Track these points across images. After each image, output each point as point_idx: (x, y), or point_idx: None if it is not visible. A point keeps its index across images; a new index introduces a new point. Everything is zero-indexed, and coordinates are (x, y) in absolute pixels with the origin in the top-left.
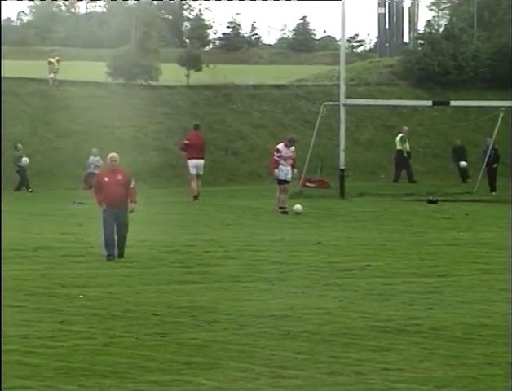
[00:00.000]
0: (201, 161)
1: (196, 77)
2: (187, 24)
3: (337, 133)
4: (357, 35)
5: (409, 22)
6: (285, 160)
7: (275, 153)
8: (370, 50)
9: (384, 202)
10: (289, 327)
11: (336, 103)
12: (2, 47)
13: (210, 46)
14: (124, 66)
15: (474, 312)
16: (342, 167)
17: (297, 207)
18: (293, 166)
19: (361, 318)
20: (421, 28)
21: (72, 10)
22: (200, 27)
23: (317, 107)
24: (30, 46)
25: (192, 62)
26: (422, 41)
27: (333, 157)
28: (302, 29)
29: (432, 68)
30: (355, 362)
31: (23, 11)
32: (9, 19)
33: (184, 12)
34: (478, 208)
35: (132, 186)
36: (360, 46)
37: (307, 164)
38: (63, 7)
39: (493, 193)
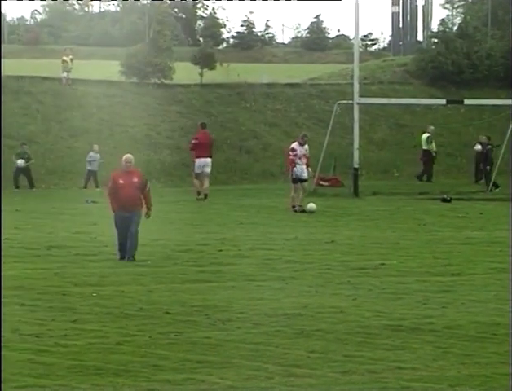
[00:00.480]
0: (209, 160)
1: (210, 76)
2: (200, 23)
3: (351, 132)
4: (371, 34)
5: (423, 20)
6: (300, 158)
7: (291, 152)
8: (384, 48)
9: (397, 201)
10: (302, 325)
11: (349, 101)
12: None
13: (224, 44)
14: (137, 65)
15: (487, 311)
16: (356, 166)
17: (311, 205)
18: (307, 165)
19: (375, 316)
20: (434, 26)
21: (86, 8)
22: (213, 25)
23: (331, 105)
24: (44, 45)
25: (206, 61)
26: (436, 40)
27: (346, 156)
28: (316, 28)
29: (446, 66)
30: (369, 360)
31: (37, 10)
32: (23, 18)
33: (198, 11)
34: (492, 207)
35: (147, 189)
36: (374, 44)
37: (321, 162)
38: (76, 6)
39: (496, 190)
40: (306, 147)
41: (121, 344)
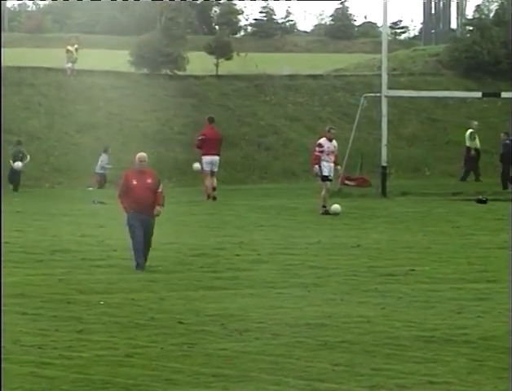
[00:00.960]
0: (216, 158)
1: (226, 67)
2: (216, 9)
3: (379, 127)
4: (400, 21)
5: (457, 7)
6: (328, 155)
7: (317, 148)
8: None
9: (429, 201)
10: (326, 336)
11: (377, 94)
12: (3, 34)
13: (241, 32)
14: (148, 54)
15: None
16: (384, 164)
17: (336, 207)
18: (335, 162)
19: (405, 327)
20: (469, 13)
21: None
22: (230, 12)
23: (357, 98)
24: (47, 33)
25: (222, 50)
26: (471, 28)
27: (374, 153)
28: (341, 15)
29: (481, 56)
30: (398, 374)
31: None
32: (24, 3)
33: None
34: None
35: (160, 190)
36: (404, 32)
37: (346, 160)
38: None
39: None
40: (335, 143)
41: (130, 357)
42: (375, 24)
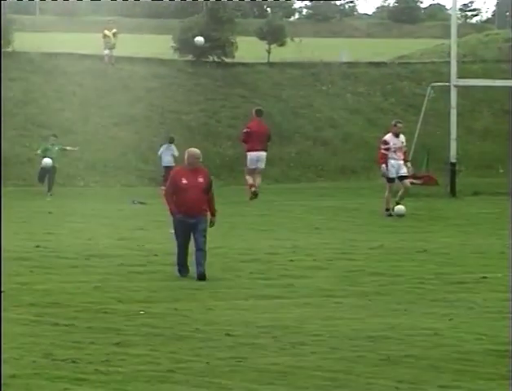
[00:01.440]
0: (262, 154)
1: (279, 53)
2: None
3: (447, 120)
4: (472, 2)
5: None
6: (395, 152)
7: (382, 146)
8: (487, 20)
9: (503, 202)
10: (389, 350)
11: (446, 83)
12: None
13: (296, 15)
14: (193, 40)
15: None
16: (453, 160)
17: (400, 208)
18: (405, 160)
19: (476, 340)
20: None
21: None
22: None
23: (423, 88)
24: (82, 17)
25: (274, 35)
26: None
27: (441, 148)
28: None
29: None
30: None
31: None
32: None
33: None
34: None
35: (212, 191)
36: (475, 15)
37: (411, 156)
38: None
39: None
40: (403, 138)
41: (173, 372)
42: (443, 6)
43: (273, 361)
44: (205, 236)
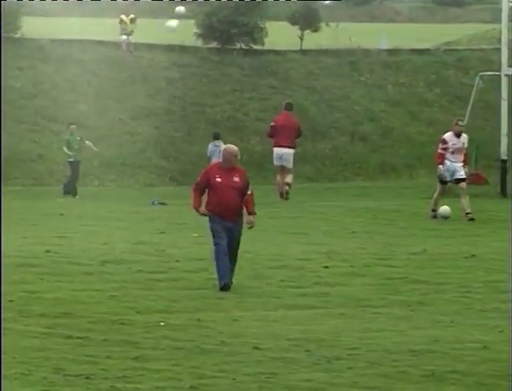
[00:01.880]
0: (287, 151)
1: (313, 40)
2: None
3: (498, 113)
4: None
5: None
6: (453, 153)
7: (440, 144)
8: None
9: None
10: (433, 365)
11: (496, 73)
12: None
13: None
14: (218, 25)
15: None
16: (504, 157)
17: (445, 209)
18: (464, 162)
19: None
20: None
21: None
22: None
23: (471, 78)
24: (96, 0)
25: (308, 20)
26: None
27: (491, 144)
28: None
29: None
30: None
31: None
32: None
33: None
34: None
35: (250, 192)
36: None
37: None
38: None
39: None
40: (465, 138)
41: (196, 389)
42: None
43: (305, 377)
44: (238, 243)
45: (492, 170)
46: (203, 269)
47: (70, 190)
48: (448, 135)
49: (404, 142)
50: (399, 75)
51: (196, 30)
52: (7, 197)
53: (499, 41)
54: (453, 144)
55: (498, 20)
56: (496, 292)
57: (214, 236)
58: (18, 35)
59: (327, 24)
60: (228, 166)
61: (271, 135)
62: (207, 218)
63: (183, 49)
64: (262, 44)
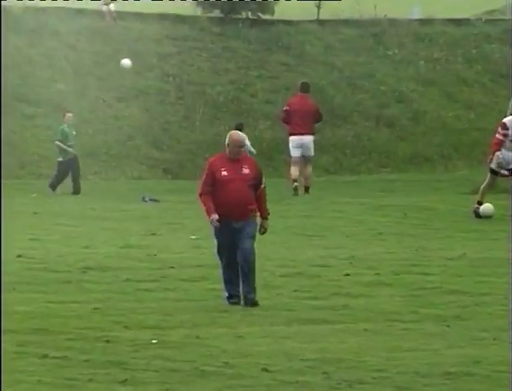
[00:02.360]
0: (307, 138)
1: (331, 9)
2: None
3: None
4: None
5: None
6: None
7: (500, 130)
8: None
9: None
10: (473, 390)
11: None
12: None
13: None
14: None
15: None
16: None
17: (487, 207)
18: None
19: None
20: None
21: None
22: None
23: None
24: None
25: None
26: None
27: None
28: None
29: None
30: None
31: None
32: None
33: None
34: None
35: (263, 185)
36: None
37: None
38: None
39: None
40: None
41: None
42: None
43: None
44: (252, 244)
45: None
46: (202, 277)
47: (54, 186)
48: (509, 120)
49: (439, 129)
50: (432, 49)
51: None
52: None
53: None
54: None
55: None
56: None
57: (218, 252)
58: None
59: None
60: (235, 157)
61: (285, 121)
62: (207, 219)
63: (178, 18)
64: (272, 13)
